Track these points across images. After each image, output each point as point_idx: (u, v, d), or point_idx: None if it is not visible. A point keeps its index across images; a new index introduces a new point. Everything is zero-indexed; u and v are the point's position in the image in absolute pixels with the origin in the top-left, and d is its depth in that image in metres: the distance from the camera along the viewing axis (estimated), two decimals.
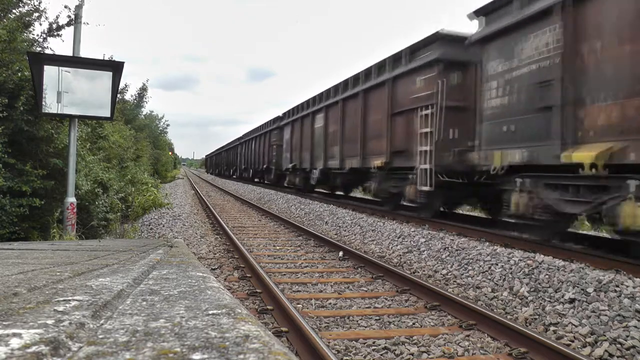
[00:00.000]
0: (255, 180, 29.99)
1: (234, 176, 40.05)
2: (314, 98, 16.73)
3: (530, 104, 6.50)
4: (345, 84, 13.76)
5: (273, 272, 6.06)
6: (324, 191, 18.25)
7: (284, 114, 21.66)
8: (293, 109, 19.68)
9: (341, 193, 17.69)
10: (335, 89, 14.53)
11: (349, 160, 13.01)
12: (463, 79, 8.84)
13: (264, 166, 25.12)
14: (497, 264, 5.63)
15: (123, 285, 1.60)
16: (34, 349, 0.82)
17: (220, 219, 11.03)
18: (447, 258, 6.40)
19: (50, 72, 6.56)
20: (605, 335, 3.64)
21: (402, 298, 5.07)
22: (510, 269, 5.38)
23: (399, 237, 8.01)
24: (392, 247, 7.63)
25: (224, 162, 49.34)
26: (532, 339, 3.51)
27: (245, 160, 32.90)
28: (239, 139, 37.28)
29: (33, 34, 7.62)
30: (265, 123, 26.31)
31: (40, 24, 7.90)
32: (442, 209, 10.30)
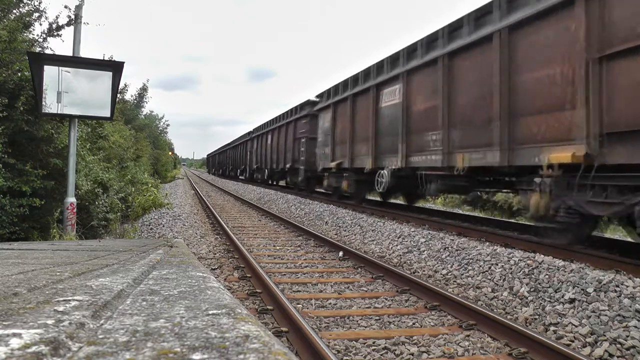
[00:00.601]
0: (271, 182, 24.76)
1: (241, 177, 34.37)
2: (379, 64, 11.22)
3: None
4: (452, 30, 8.28)
5: (273, 272, 6.07)
6: (375, 199, 14.41)
7: (321, 95, 15.80)
8: (337, 85, 13.95)
9: (392, 201, 13.69)
10: (430, 41, 8.96)
11: (467, 154, 7.76)
12: None
13: (287, 165, 19.69)
14: (497, 264, 5.63)
15: (123, 285, 1.60)
16: (34, 349, 0.82)
17: (220, 219, 11.03)
18: (447, 258, 6.40)
19: (50, 72, 6.57)
20: (605, 335, 3.64)
21: (402, 298, 5.07)
22: (510, 269, 5.38)
23: (399, 237, 8.01)
24: (392, 247, 7.63)
25: (229, 161, 42.93)
26: (532, 339, 3.51)
27: (258, 159, 26.83)
28: (249, 133, 31.05)
29: (33, 34, 7.63)
30: (287, 111, 20.66)
31: (40, 24, 7.91)
32: None
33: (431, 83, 8.92)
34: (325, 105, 14.98)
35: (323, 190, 16.53)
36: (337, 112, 14.00)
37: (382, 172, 10.84)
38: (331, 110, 14.34)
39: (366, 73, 11.98)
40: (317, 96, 16.43)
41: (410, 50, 9.70)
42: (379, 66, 11.22)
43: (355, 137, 12.62)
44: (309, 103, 17.60)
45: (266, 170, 24.72)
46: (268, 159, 24.23)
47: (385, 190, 11.09)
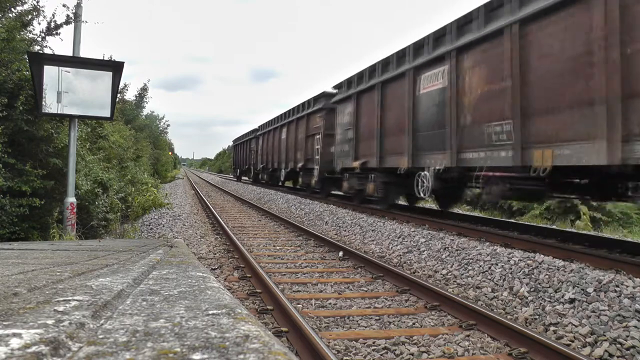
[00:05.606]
0: (279, 184, 22.89)
1: (245, 178, 32.40)
2: (417, 44, 9.39)
3: None
4: None
5: (273, 272, 6.07)
6: (402, 204, 12.56)
7: (339, 85, 13.86)
8: (362, 72, 12.11)
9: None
10: (490, 9, 7.29)
11: (550, 149, 6.08)
12: None
13: (299, 165, 17.85)
14: (497, 264, 5.63)
15: (123, 285, 1.60)
16: (34, 349, 0.82)
17: (220, 219, 11.03)
18: (447, 258, 6.40)
19: (50, 72, 6.56)
20: (605, 335, 3.64)
21: (402, 298, 5.07)
22: (510, 269, 5.38)
23: (399, 237, 8.01)
24: (392, 247, 7.63)
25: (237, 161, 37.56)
26: (532, 339, 3.51)
27: (264, 158, 24.86)
28: (253, 131, 28.86)
29: (33, 33, 7.62)
30: (298, 106, 18.71)
31: (39, 23, 7.90)
32: None
33: (493, 60, 7.18)
34: (345, 96, 13.11)
35: (342, 194, 14.80)
36: (361, 104, 12.18)
37: (423, 173, 9.08)
38: (353, 102, 12.50)
39: (400, 56, 10.08)
40: (335, 87, 14.42)
41: (462, 24, 7.93)
42: (417, 47, 9.40)
43: (385, 131, 10.80)
44: (324, 95, 15.66)
45: (273, 171, 22.91)
46: (276, 158, 22.21)
47: (428, 195, 9.20)
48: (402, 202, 13.15)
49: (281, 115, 21.79)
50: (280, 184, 22.90)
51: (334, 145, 14.25)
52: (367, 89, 11.78)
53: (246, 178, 32.35)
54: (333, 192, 16.38)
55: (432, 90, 8.87)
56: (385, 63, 10.88)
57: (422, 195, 9.11)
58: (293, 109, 19.52)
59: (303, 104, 18.06)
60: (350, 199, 13.27)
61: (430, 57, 8.84)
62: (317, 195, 16.33)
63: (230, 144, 51.35)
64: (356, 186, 12.51)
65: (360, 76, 12.29)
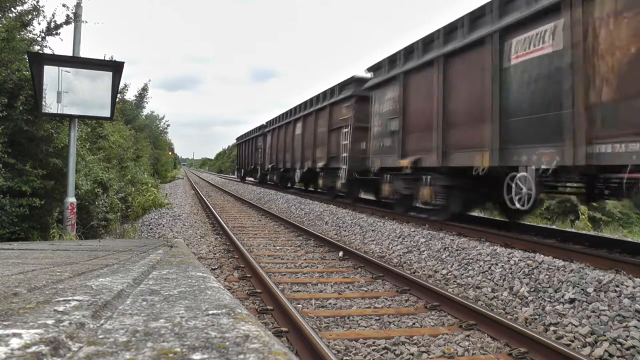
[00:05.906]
0: (290, 185, 21.07)
1: (250, 179, 30.09)
2: None
3: None
4: None
5: (273, 272, 6.07)
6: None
7: (376, 66, 11.39)
8: (411, 46, 9.66)
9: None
10: None
11: None
12: None
13: (320, 165, 15.39)
14: (497, 264, 5.63)
15: (123, 285, 1.60)
16: (34, 349, 0.82)
17: (220, 219, 11.03)
18: (447, 258, 6.40)
19: (50, 72, 6.56)
20: (605, 335, 3.64)
21: (402, 298, 5.07)
22: (510, 269, 5.38)
23: (399, 237, 8.01)
24: (392, 247, 7.63)
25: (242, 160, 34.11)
26: (532, 339, 3.51)
27: (274, 157, 22.57)
28: (260, 127, 26.18)
29: (33, 33, 7.62)
30: (313, 97, 16.43)
31: (39, 23, 7.89)
32: None
33: None
34: (385, 78, 10.65)
35: (375, 199, 12.73)
36: (411, 86, 9.74)
37: (519, 175, 6.70)
38: (399, 84, 10.04)
39: (475, 17, 7.69)
40: (369, 69, 11.84)
41: None
42: (506, 1, 6.99)
43: (451, 119, 8.37)
44: (354, 80, 13.15)
45: (285, 171, 20.69)
46: (288, 157, 19.74)
47: (530, 206, 6.66)
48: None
49: (295, 107, 19.05)
50: (289, 185, 21.14)
51: (369, 140, 11.71)
52: (420, 66, 9.30)
53: (251, 179, 30.10)
54: (362, 196, 14.24)
55: (533, 58, 6.48)
56: (449, 30, 8.38)
57: (518, 205, 6.73)
58: (311, 99, 16.91)
59: (324, 92, 15.45)
60: (388, 205, 11.13)
61: (532, 10, 6.41)
62: (342, 199, 13.98)
63: (232, 143, 50.88)
64: (402, 190, 10.17)
65: (408, 51, 9.78)
